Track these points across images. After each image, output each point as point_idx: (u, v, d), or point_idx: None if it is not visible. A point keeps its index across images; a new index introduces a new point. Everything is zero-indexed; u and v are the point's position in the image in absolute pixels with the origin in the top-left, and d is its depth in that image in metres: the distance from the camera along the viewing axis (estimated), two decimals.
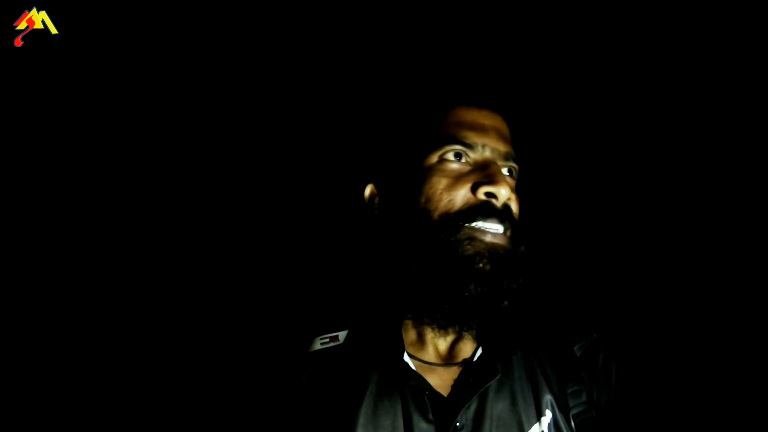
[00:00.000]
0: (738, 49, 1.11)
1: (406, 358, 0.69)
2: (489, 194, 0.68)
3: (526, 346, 0.75)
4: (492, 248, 0.67)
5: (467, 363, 0.71)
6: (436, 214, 0.68)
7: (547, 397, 0.69)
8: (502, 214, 0.68)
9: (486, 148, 0.71)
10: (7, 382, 1.04)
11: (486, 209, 0.68)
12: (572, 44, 1.19)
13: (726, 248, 1.13)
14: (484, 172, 0.70)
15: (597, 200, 1.22)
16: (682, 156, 1.18)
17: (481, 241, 0.67)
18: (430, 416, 0.65)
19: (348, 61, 1.19)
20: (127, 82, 1.14)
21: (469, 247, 0.66)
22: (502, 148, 0.73)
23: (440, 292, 0.67)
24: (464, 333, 0.72)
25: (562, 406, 0.69)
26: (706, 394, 1.05)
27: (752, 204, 1.11)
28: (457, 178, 0.70)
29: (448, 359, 0.72)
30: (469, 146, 0.71)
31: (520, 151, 0.76)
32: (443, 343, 0.74)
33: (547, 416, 0.68)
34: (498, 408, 0.67)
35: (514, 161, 0.74)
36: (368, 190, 0.79)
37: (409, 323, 0.74)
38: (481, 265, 0.66)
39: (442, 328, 0.71)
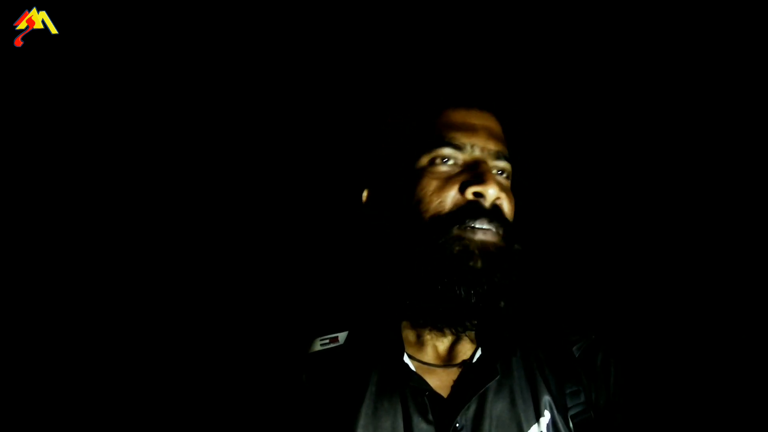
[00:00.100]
0: (718, 44, 1.11)
1: (405, 359, 0.70)
2: (477, 194, 0.68)
3: (526, 346, 0.75)
4: (483, 246, 0.67)
5: (467, 364, 0.71)
6: (427, 217, 0.69)
7: (546, 398, 0.70)
8: (491, 214, 0.68)
9: (475, 148, 0.71)
10: (8, 382, 1.04)
11: (475, 209, 0.68)
12: (569, 41, 1.19)
13: (724, 247, 1.13)
14: (472, 172, 0.70)
15: (596, 200, 1.22)
16: (682, 156, 1.18)
17: (471, 240, 0.67)
18: (430, 417, 0.65)
19: (348, 61, 1.19)
20: (127, 82, 1.14)
21: (459, 247, 0.66)
22: (492, 146, 0.72)
23: (435, 294, 0.67)
24: (463, 334, 0.72)
25: (560, 407, 0.70)
26: (706, 394, 1.05)
27: (751, 201, 1.11)
28: (447, 180, 0.70)
29: (447, 360, 0.73)
30: (458, 147, 0.71)
31: (516, 149, 0.76)
32: (442, 344, 0.74)
33: (546, 417, 0.68)
34: (497, 409, 0.67)
35: (507, 160, 0.74)
36: (365, 193, 0.80)
37: (408, 324, 0.74)
38: (471, 263, 0.66)
39: (440, 329, 0.71)
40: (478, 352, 0.73)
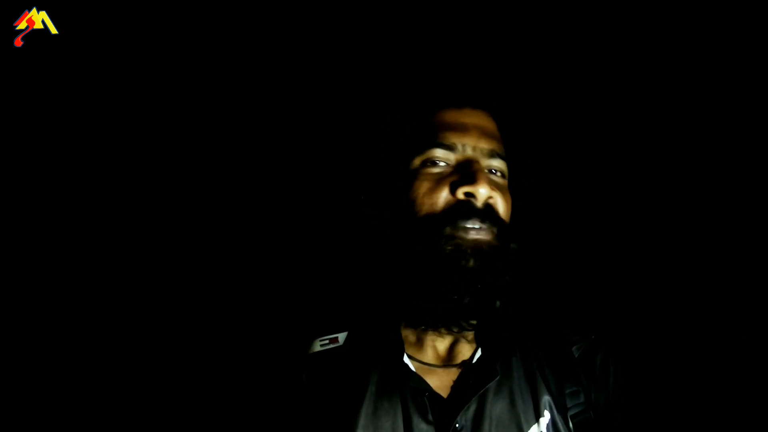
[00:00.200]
0: (712, 43, 1.11)
1: (405, 359, 0.70)
2: (468, 194, 0.68)
3: (526, 347, 0.75)
4: (476, 245, 0.67)
5: (466, 364, 0.72)
6: (421, 219, 0.69)
7: (546, 398, 0.70)
8: (483, 213, 0.68)
9: (467, 147, 0.71)
10: (9, 382, 1.04)
11: (466, 209, 0.67)
12: (566, 38, 1.19)
13: (724, 246, 1.13)
14: (464, 172, 0.69)
15: (596, 200, 1.22)
16: (683, 156, 1.18)
17: (464, 239, 0.66)
18: (430, 417, 0.65)
19: (348, 61, 1.19)
20: (127, 82, 1.14)
21: (451, 246, 0.66)
22: (485, 145, 0.72)
23: (432, 294, 0.67)
24: (463, 334, 0.73)
25: (560, 407, 0.70)
26: (706, 394, 1.05)
27: (750, 201, 1.11)
28: (438, 181, 0.70)
29: (447, 360, 0.73)
30: (449, 147, 0.71)
31: (514, 148, 0.76)
32: (442, 345, 0.74)
33: (546, 417, 0.68)
34: (497, 409, 0.67)
35: (502, 158, 0.74)
36: (364, 195, 0.80)
37: (408, 325, 0.75)
38: (464, 262, 0.66)
39: (439, 329, 0.71)
40: (478, 353, 0.73)
